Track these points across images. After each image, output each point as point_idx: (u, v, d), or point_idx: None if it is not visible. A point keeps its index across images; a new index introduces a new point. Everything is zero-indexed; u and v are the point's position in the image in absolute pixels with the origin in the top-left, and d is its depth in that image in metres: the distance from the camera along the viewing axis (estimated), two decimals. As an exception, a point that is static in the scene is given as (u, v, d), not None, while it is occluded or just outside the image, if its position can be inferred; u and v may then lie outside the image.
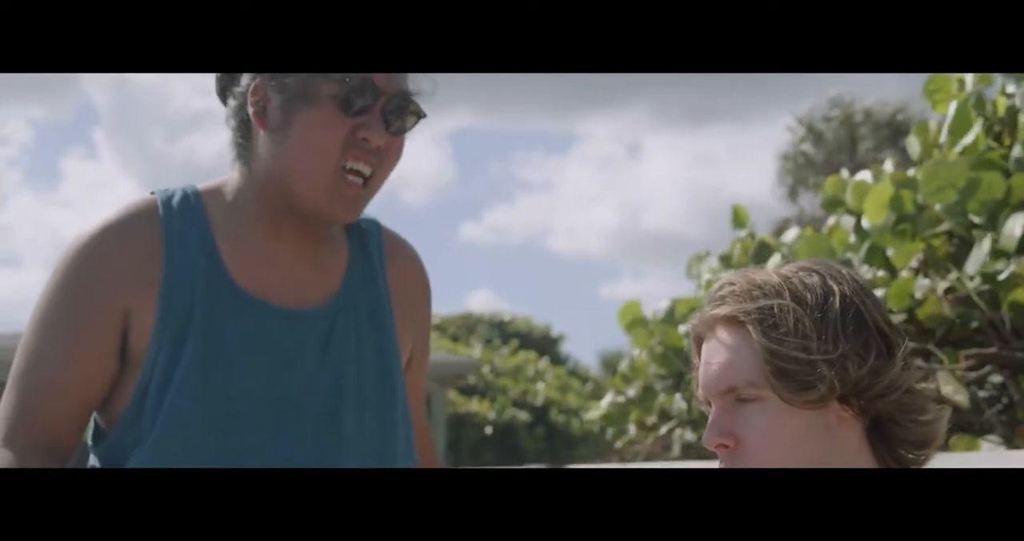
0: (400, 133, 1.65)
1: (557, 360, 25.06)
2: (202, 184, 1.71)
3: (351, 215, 1.65)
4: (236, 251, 1.64)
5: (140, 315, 1.59)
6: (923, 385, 1.41)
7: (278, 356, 1.62)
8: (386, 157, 1.65)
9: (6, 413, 1.58)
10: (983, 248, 2.95)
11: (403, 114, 1.64)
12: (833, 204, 4.02)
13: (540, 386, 20.50)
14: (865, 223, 3.55)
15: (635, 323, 4.73)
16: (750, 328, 1.40)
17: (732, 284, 1.44)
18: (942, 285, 3.16)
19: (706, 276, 4.90)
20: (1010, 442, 3.05)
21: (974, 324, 3.22)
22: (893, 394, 1.39)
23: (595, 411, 5.34)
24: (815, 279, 1.42)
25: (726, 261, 4.81)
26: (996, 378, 3.26)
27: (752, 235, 4.69)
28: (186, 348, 1.58)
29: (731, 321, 1.42)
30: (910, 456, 1.43)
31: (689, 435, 4.81)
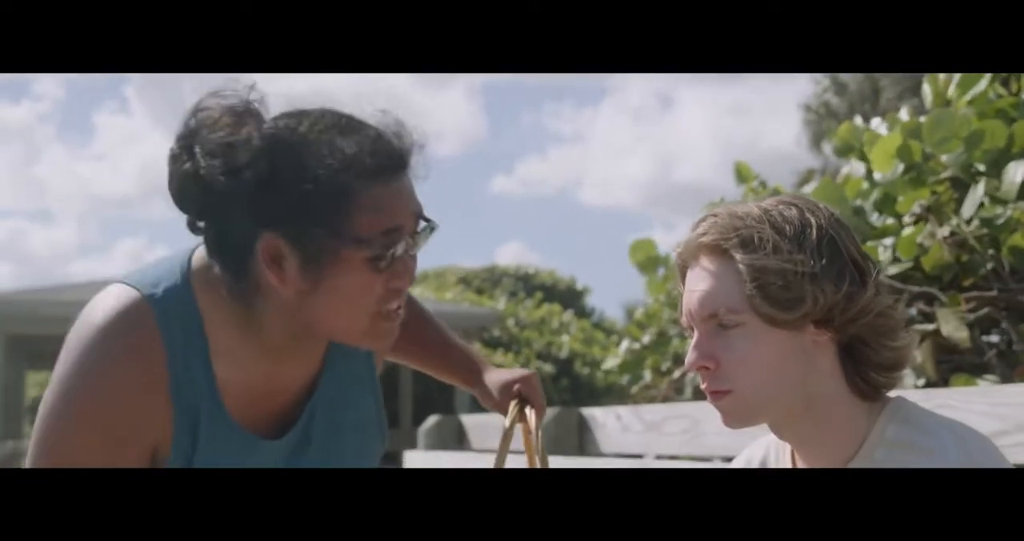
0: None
1: (582, 313, 25.13)
2: (198, 272, 1.63)
3: (389, 345, 1.68)
4: (234, 383, 1.64)
5: (161, 447, 1.61)
6: (894, 310, 1.51)
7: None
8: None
9: None
10: (978, 192, 3.01)
11: (423, 242, 1.60)
12: (845, 150, 4.06)
13: (565, 338, 20.60)
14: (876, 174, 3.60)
15: (648, 261, 4.68)
16: (733, 253, 1.48)
17: (715, 215, 1.52)
18: (943, 231, 3.22)
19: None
20: (1008, 381, 3.12)
21: (981, 271, 3.27)
22: (865, 318, 1.48)
23: (612, 360, 5.34)
24: (793, 212, 1.50)
25: (739, 208, 4.84)
26: (1000, 322, 3.32)
27: (764, 184, 4.74)
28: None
29: (714, 249, 1.50)
30: (881, 379, 1.52)
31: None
